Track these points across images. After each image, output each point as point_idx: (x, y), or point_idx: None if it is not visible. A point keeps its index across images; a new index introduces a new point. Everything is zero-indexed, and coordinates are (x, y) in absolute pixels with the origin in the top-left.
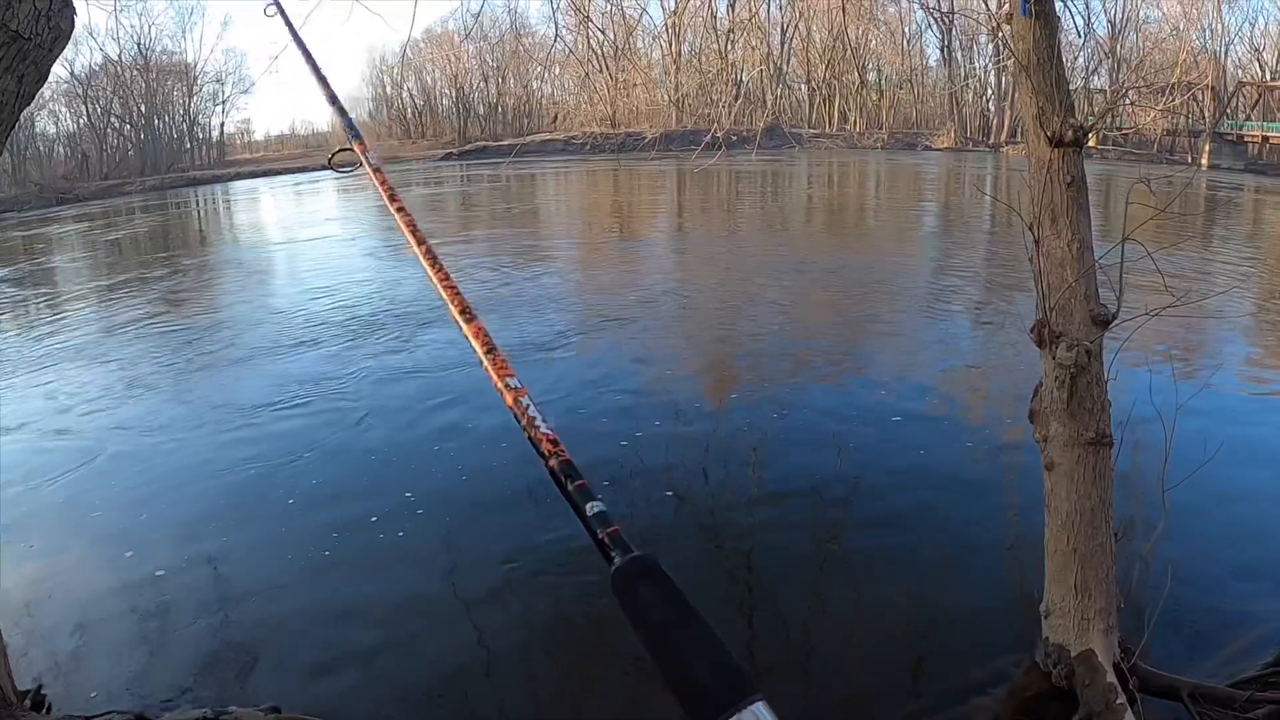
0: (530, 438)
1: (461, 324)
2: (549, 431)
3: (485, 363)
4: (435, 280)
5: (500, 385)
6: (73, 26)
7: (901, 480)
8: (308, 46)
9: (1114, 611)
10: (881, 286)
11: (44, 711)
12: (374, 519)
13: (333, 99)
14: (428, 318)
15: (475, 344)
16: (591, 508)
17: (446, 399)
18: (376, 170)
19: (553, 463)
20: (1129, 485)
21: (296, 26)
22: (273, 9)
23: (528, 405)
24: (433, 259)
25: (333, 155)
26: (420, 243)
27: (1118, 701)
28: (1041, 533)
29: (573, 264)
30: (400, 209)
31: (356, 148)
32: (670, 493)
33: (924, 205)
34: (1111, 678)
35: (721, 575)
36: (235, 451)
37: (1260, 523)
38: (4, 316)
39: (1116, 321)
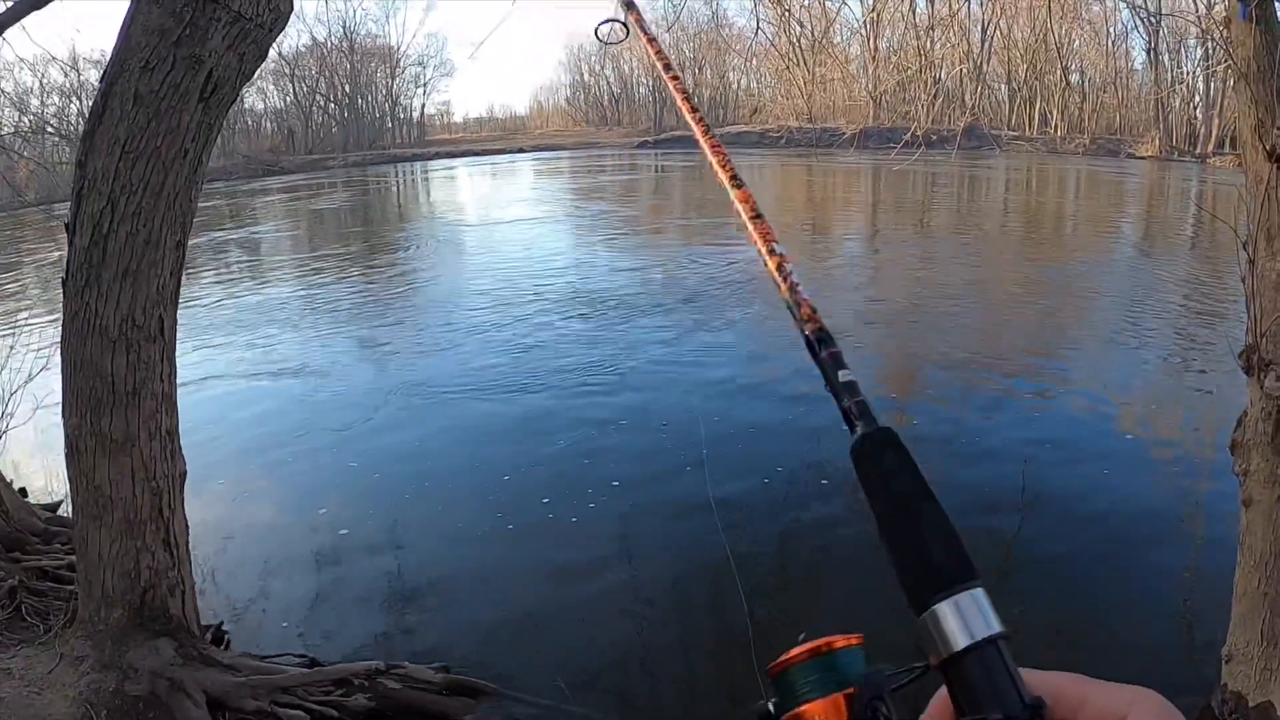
0: (788, 303)
1: (730, 189)
2: (808, 299)
3: (750, 228)
4: (706, 145)
5: (763, 250)
6: (291, 8)
7: (1083, 499)
8: None
9: None
10: (1079, 298)
11: (223, 647)
12: (562, 496)
13: None
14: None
15: (742, 209)
16: (843, 376)
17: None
18: (652, 40)
19: (808, 329)
20: None
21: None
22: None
23: (789, 271)
24: (705, 127)
25: (598, 26)
26: (694, 111)
27: None
28: (1230, 572)
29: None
30: (675, 78)
31: (630, 16)
32: (837, 493)
33: (1139, 221)
34: None
35: (884, 580)
36: (439, 422)
37: None
38: (268, 275)
39: None
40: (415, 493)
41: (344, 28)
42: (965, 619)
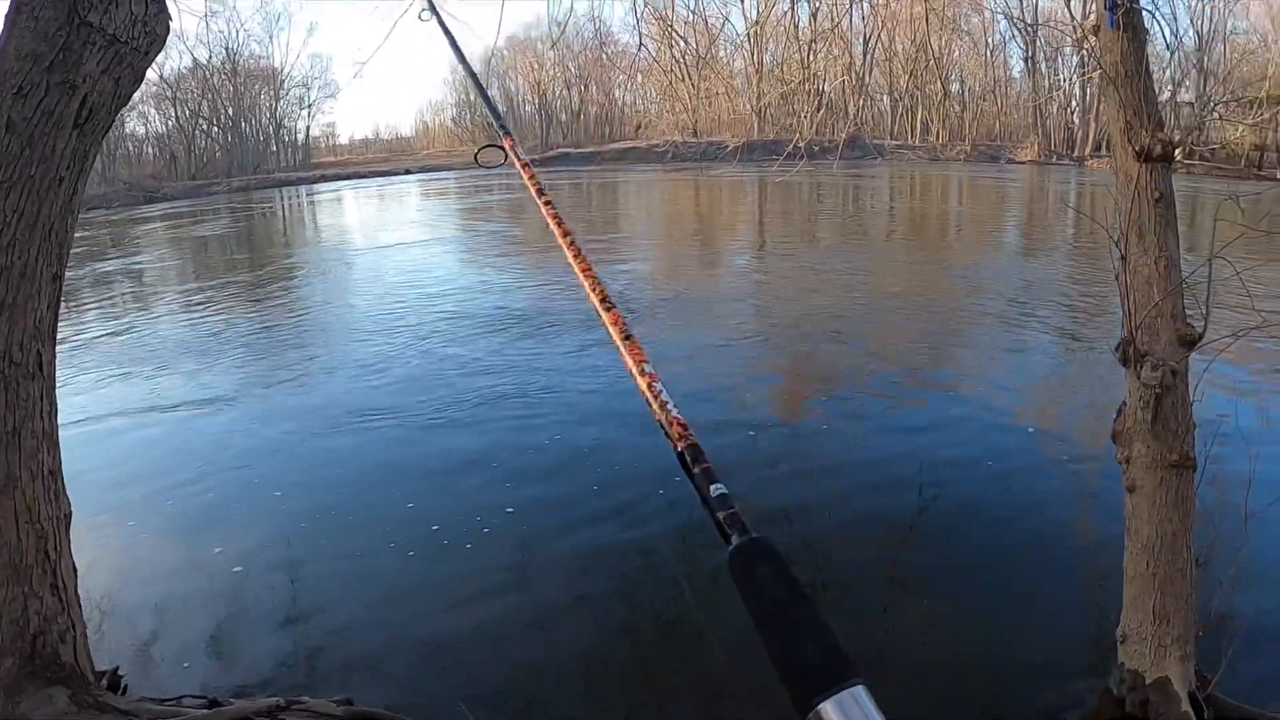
0: (660, 421)
1: (601, 312)
2: (679, 416)
3: (622, 349)
4: (578, 269)
5: (635, 370)
6: (168, 31)
7: (977, 497)
8: (460, 47)
9: (1192, 639)
10: (966, 301)
11: (120, 693)
12: (458, 523)
13: (482, 92)
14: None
15: (613, 330)
16: (715, 490)
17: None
18: (525, 165)
19: (681, 445)
20: (1211, 511)
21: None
22: (428, 14)
23: (660, 390)
24: (576, 250)
25: (479, 151)
26: (565, 234)
27: None
28: (1120, 556)
29: (652, 272)
30: (548, 202)
31: (505, 143)
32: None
33: (1020, 223)
34: (1186, 706)
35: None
36: (334, 453)
37: None
38: (154, 307)
39: (1204, 342)
40: (311, 525)
41: (226, 49)
42: (847, 718)
